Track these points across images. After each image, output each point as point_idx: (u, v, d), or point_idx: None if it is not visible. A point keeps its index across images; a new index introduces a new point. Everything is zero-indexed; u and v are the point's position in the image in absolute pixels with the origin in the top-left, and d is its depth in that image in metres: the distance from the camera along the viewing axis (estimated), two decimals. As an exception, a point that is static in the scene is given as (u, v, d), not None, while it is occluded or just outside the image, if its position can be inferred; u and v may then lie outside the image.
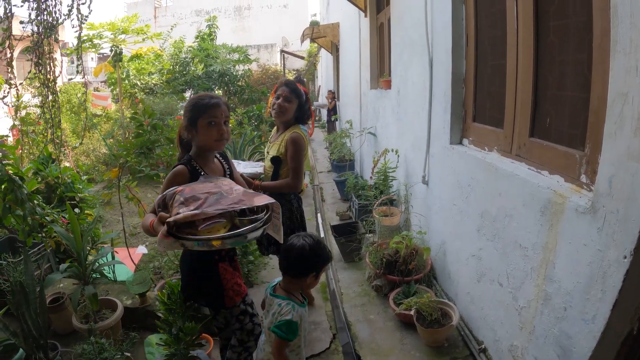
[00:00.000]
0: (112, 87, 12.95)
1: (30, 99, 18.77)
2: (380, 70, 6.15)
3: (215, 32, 13.18)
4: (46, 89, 3.42)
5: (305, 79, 23.23)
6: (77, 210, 4.50)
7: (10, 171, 3.58)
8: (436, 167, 3.53)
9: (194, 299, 2.49)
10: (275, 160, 3.15)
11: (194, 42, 12.86)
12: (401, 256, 3.46)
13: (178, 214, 1.73)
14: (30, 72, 3.44)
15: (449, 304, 3.08)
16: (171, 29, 13.48)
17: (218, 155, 2.45)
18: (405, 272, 3.48)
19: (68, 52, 12.08)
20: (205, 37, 12.92)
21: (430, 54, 3.45)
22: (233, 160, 2.75)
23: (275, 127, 3.46)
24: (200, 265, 2.33)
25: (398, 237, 3.48)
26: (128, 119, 10.89)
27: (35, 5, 3.08)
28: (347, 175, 6.52)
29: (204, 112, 2.20)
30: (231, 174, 2.45)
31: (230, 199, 1.85)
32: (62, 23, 3.27)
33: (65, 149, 10.91)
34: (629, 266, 1.49)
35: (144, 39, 11.76)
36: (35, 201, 3.81)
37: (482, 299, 2.79)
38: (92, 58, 29.04)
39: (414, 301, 3.01)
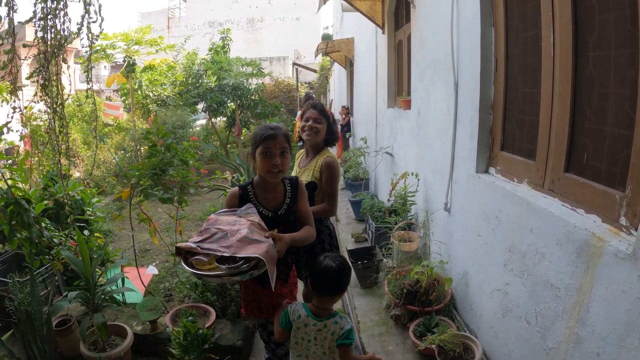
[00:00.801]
0: (124, 97, 12.99)
1: (44, 108, 18.91)
2: (398, 89, 6.05)
3: (228, 44, 13.19)
4: (53, 113, 3.30)
5: (314, 94, 23.24)
6: (86, 232, 4.41)
7: (16, 194, 3.48)
8: (459, 195, 3.41)
9: None
10: (310, 186, 3.04)
11: (207, 54, 12.87)
12: (422, 287, 3.33)
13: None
14: (35, 94, 3.33)
15: (472, 338, 2.94)
16: (185, 40, 13.53)
17: (288, 184, 2.43)
18: (426, 303, 3.35)
19: (81, 61, 12.13)
20: (219, 49, 12.93)
21: (455, 77, 3.35)
22: None
23: (302, 151, 3.41)
24: None
25: (419, 267, 3.35)
26: (139, 132, 10.89)
27: (41, 24, 2.98)
28: (363, 195, 6.40)
29: (260, 142, 2.25)
30: (292, 204, 2.40)
31: (228, 241, 1.99)
32: (71, 42, 3.19)
33: (76, 159, 10.94)
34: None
35: (157, 50, 11.80)
36: (43, 224, 3.72)
37: (507, 335, 2.65)
38: (104, 67, 29.29)
39: (438, 338, 2.87)
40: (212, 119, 13.98)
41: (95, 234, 4.33)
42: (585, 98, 2.04)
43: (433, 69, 3.99)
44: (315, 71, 26.02)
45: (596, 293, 1.80)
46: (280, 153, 2.26)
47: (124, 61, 11.45)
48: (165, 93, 12.63)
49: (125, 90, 12.68)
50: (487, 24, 2.86)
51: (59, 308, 3.20)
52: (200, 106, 12.95)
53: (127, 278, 4.18)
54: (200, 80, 12.55)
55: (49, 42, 3.11)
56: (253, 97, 12.55)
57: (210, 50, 12.92)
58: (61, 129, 3.44)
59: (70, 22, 3.08)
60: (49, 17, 3.05)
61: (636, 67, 1.69)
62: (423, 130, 4.44)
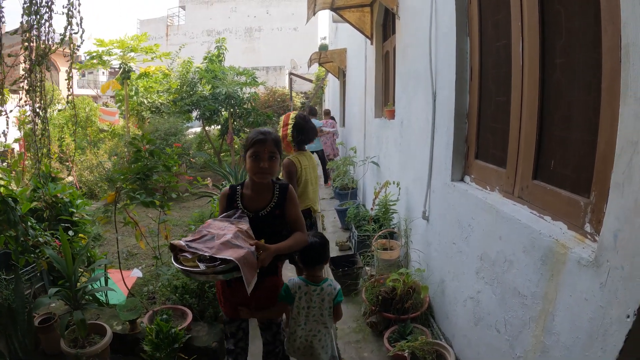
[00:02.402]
0: (119, 103, 13.01)
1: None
2: (385, 99, 6.09)
3: (223, 53, 13.23)
4: (37, 117, 3.38)
5: (309, 103, 23.32)
6: (71, 232, 4.42)
7: (4, 192, 3.58)
8: (437, 204, 3.42)
9: None
10: None
11: (202, 62, 12.90)
12: (397, 294, 3.33)
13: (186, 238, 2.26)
14: (20, 99, 3.43)
15: (445, 346, 2.93)
16: (179, 49, 13.56)
17: (277, 187, 2.51)
18: (402, 310, 3.34)
19: (78, 67, 12.15)
20: (214, 58, 12.97)
21: (434, 87, 3.38)
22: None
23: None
24: None
25: (395, 274, 3.35)
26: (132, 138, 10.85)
27: (26, 36, 3.10)
28: (349, 204, 6.41)
29: (250, 145, 2.39)
30: (276, 208, 2.45)
31: (212, 243, 2.18)
32: (54, 51, 3.31)
33: (69, 163, 10.91)
34: (631, 326, 1.39)
35: (152, 58, 11.83)
36: (29, 222, 3.75)
37: (478, 343, 2.65)
38: (103, 73, 29.38)
39: (407, 344, 2.86)
40: (207, 127, 14.00)
41: (80, 235, 4.30)
42: (552, 105, 2.06)
43: (415, 79, 4.02)
44: (310, 81, 26.14)
45: (560, 301, 1.79)
46: (268, 157, 2.38)
47: (120, 68, 11.48)
48: (160, 100, 12.64)
49: (121, 97, 12.69)
50: (462, 34, 2.89)
51: (40, 304, 3.30)
52: (194, 114, 12.97)
53: (111, 279, 4.23)
54: (194, 89, 12.58)
55: (33, 52, 3.22)
56: (246, 106, 12.58)
57: (205, 58, 12.95)
58: (43, 132, 3.47)
59: (54, 33, 3.22)
60: (34, 28, 3.17)
61: (599, 72, 1.70)
62: (405, 140, 4.46)
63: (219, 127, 13.82)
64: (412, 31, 4.12)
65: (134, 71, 12.04)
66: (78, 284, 3.47)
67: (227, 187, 2.56)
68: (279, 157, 2.46)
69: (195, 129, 16.13)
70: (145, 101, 12.37)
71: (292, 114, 3.94)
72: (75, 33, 3.24)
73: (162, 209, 4.15)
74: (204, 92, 12.40)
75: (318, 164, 13.41)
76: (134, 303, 3.65)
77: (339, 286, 2.72)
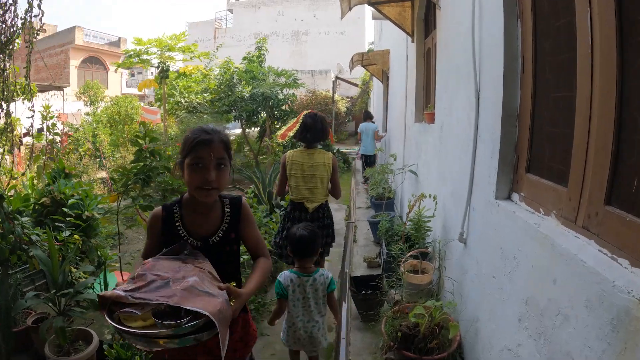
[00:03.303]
0: (158, 102, 12.97)
1: (82, 107, 19.35)
2: (426, 101, 5.49)
3: (264, 54, 12.93)
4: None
5: (354, 108, 22.82)
6: (67, 232, 4.19)
7: None
8: (477, 225, 2.82)
9: None
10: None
11: (241, 63, 12.63)
12: (421, 331, 2.75)
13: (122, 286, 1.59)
14: None
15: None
16: (217, 48, 13.37)
17: (227, 203, 1.94)
18: (425, 351, 2.75)
19: (117, 65, 12.18)
20: (254, 58, 12.68)
21: (477, 83, 2.79)
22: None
23: (297, 150, 4.11)
24: None
25: (420, 308, 2.77)
26: (169, 137, 10.73)
27: None
28: (382, 216, 5.85)
29: (190, 150, 1.75)
30: (230, 231, 1.91)
31: (169, 290, 1.53)
32: (16, 38, 3.03)
33: (102, 160, 10.90)
34: None
35: (191, 58, 11.72)
36: (16, 220, 3.57)
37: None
38: (152, 73, 30.19)
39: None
40: (247, 129, 13.75)
41: (75, 237, 4.05)
42: (637, 99, 1.45)
43: (456, 76, 3.43)
44: (356, 85, 25.65)
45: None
46: (216, 165, 1.76)
47: (158, 67, 11.39)
48: (197, 100, 12.47)
49: (159, 96, 12.64)
50: (511, 15, 2.29)
51: (21, 305, 3.29)
52: (232, 115, 12.70)
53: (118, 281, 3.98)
54: (233, 89, 12.31)
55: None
56: (284, 108, 12.20)
57: (244, 59, 12.69)
58: (6, 126, 3.19)
59: (17, 18, 2.95)
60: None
61: None
62: (445, 147, 3.87)
63: (258, 129, 13.55)
64: (453, 21, 3.53)
65: (173, 70, 11.94)
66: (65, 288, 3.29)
67: (159, 208, 1.92)
68: (230, 164, 1.85)
69: (237, 130, 15.93)
70: (183, 101, 12.23)
71: (305, 112, 4.28)
72: (36, 16, 2.92)
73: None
74: (244, 93, 12.11)
75: (357, 170, 12.94)
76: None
77: (330, 274, 2.96)
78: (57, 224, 4.37)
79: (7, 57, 3.09)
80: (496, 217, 2.42)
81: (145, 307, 1.51)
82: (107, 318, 1.50)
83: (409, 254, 3.71)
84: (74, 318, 3.58)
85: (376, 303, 3.69)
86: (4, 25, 2.91)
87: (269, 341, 3.82)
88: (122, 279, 3.75)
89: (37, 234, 3.64)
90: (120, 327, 1.47)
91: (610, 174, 1.55)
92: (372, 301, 3.73)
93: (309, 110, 4.31)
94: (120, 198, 3.96)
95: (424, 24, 5.48)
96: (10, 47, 3.05)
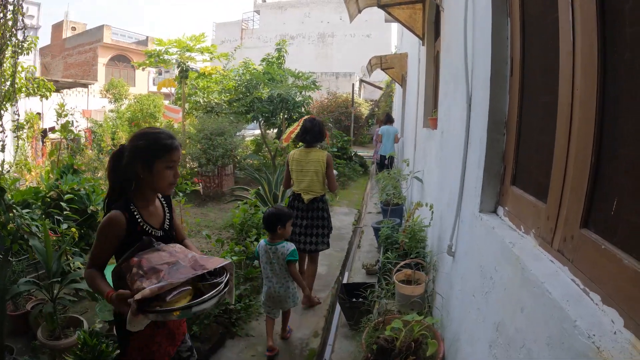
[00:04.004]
0: (178, 101, 13.06)
1: (106, 104, 19.66)
2: (435, 105, 5.29)
3: (284, 56, 12.84)
4: None
5: (376, 111, 22.55)
6: (65, 225, 4.34)
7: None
8: (464, 238, 2.62)
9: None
10: None
11: (260, 64, 12.57)
12: (397, 346, 2.56)
13: (142, 288, 1.70)
14: None
15: None
16: (234, 50, 13.31)
17: (160, 196, 2.18)
18: (401, 368, 2.57)
19: (137, 64, 12.27)
20: (274, 60, 12.61)
21: (469, 87, 2.60)
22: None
23: (299, 149, 4.69)
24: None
25: (398, 322, 2.59)
26: (186, 137, 10.74)
27: None
28: (386, 223, 5.66)
29: (165, 153, 2.00)
30: (171, 218, 2.22)
31: (189, 266, 1.85)
32: (6, 49, 3.24)
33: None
34: None
35: (211, 58, 11.71)
36: (15, 211, 3.70)
37: None
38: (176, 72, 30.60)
39: None
40: (267, 130, 13.70)
41: (72, 229, 4.18)
42: (618, 105, 1.24)
43: (454, 80, 3.23)
44: (381, 89, 25.37)
45: None
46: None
47: (178, 67, 11.42)
48: (215, 100, 12.46)
49: (179, 95, 12.69)
50: (501, 14, 2.10)
51: (13, 290, 3.35)
52: (250, 116, 12.65)
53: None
54: (251, 90, 12.25)
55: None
56: (300, 110, 12.08)
57: (263, 60, 12.63)
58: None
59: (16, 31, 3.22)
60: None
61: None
62: (444, 154, 3.67)
63: (276, 130, 13.49)
64: (452, 22, 3.34)
65: (194, 70, 11.97)
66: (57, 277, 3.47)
67: (118, 212, 1.95)
68: None
69: (256, 131, 15.89)
70: (202, 100, 12.23)
71: (306, 117, 4.98)
72: (20, 29, 3.22)
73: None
74: (263, 94, 12.04)
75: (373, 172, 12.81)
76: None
77: (292, 247, 3.60)
78: (56, 217, 4.54)
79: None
80: (479, 231, 2.23)
81: (184, 284, 1.80)
82: (145, 316, 1.69)
83: (401, 263, 3.53)
84: (69, 306, 3.84)
85: (363, 312, 3.53)
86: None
87: (252, 342, 3.75)
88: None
89: (37, 225, 3.75)
90: (164, 309, 1.70)
91: (589, 192, 1.35)
92: (358, 309, 3.58)
93: (310, 116, 5.14)
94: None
95: (434, 26, 5.28)
96: (1, 56, 3.25)
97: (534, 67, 1.89)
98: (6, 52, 3.26)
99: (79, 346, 2.96)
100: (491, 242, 1.98)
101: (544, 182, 1.71)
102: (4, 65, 3.29)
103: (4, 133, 3.90)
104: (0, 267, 3.40)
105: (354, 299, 3.83)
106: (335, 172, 4.79)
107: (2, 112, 3.54)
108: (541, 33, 1.80)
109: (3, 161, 4.44)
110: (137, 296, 1.66)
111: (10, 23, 3.08)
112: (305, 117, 4.86)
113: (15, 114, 5.77)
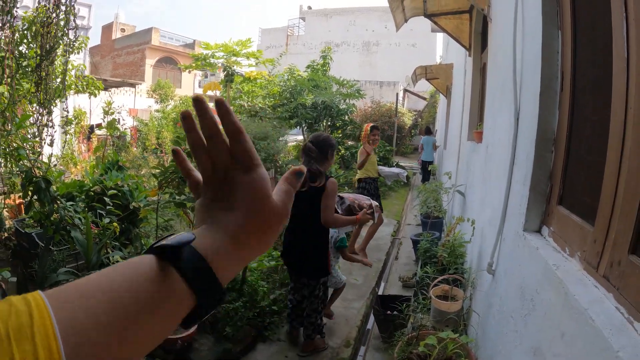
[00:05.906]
0: (222, 105, 13.36)
1: (152, 104, 20.26)
2: (480, 118, 5.18)
3: (329, 63, 12.90)
4: (43, 109, 3.55)
5: (419, 121, 22.28)
6: (107, 219, 4.44)
7: (39, 174, 3.91)
8: (505, 257, 2.54)
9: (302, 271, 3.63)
10: None
11: (305, 71, 12.67)
12: (431, 366, 2.51)
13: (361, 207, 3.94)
14: (30, 89, 3.58)
15: None
16: (280, 56, 13.47)
17: None
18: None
19: (184, 67, 12.59)
20: (318, 67, 12.69)
21: (517, 101, 2.53)
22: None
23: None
24: (322, 242, 3.50)
25: (432, 338, 2.54)
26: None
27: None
28: (423, 235, 5.58)
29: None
30: None
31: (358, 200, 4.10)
32: (57, 48, 3.45)
33: (163, 155, 11.31)
34: None
35: (257, 63, 11.88)
36: (59, 203, 3.94)
37: None
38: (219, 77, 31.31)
39: None
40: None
41: (114, 224, 4.25)
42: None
43: (501, 93, 3.16)
44: (425, 99, 25.08)
45: None
46: None
47: (224, 71, 11.66)
48: (259, 105, 12.64)
49: (224, 99, 12.94)
50: (551, 26, 2.03)
51: (52, 279, 3.52)
52: (294, 122, 12.78)
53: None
54: (296, 96, 12.37)
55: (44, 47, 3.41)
56: (344, 118, 12.10)
57: (308, 67, 12.73)
58: (49, 122, 3.89)
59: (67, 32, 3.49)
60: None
61: None
62: (488, 169, 3.58)
63: (320, 136, 13.55)
64: (499, 34, 3.27)
65: (239, 74, 12.18)
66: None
67: (334, 179, 3.40)
68: None
69: (299, 136, 16.01)
70: (246, 104, 12.43)
71: (370, 125, 6.45)
72: (72, 29, 3.49)
73: (192, 211, 3.99)
74: (308, 101, 12.14)
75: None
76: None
77: (343, 235, 4.24)
78: (99, 211, 4.68)
79: (49, 63, 3.48)
80: (521, 250, 2.16)
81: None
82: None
83: (439, 278, 3.46)
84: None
85: (397, 325, 3.47)
86: (49, 35, 3.30)
87: (282, 347, 3.77)
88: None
89: (80, 218, 3.93)
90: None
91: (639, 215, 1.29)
92: (392, 322, 3.52)
93: (370, 124, 6.32)
94: (159, 193, 4.10)
95: (482, 37, 5.18)
96: (53, 54, 3.46)
97: (585, 82, 1.82)
98: (58, 51, 3.45)
99: None
100: (534, 263, 1.91)
101: (592, 204, 1.64)
102: (55, 62, 3.48)
103: (53, 128, 4.15)
104: (42, 255, 3.69)
105: (389, 312, 3.78)
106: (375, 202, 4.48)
107: (52, 107, 3.74)
108: (593, 47, 1.73)
109: (51, 154, 4.67)
110: (367, 210, 3.65)
111: (62, 23, 3.26)
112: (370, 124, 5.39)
113: (65, 110, 6.11)
